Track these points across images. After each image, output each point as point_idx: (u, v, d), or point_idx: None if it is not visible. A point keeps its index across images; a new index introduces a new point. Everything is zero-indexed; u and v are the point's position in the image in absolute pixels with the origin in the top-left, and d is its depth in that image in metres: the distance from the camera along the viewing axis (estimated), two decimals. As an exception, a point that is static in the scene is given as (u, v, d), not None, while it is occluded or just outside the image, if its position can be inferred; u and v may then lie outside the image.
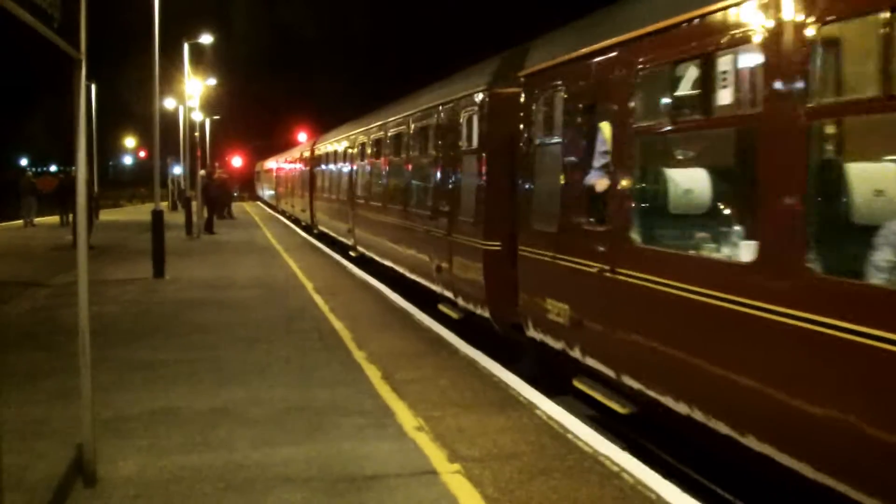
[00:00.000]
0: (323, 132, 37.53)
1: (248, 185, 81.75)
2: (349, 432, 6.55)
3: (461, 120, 11.45)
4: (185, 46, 33.40)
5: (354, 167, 20.69)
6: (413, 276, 13.97)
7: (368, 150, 18.79)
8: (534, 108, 8.79)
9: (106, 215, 42.05)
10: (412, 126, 14.44)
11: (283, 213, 46.39)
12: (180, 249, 22.57)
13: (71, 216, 27.68)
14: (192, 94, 36.00)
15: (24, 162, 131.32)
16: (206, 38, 34.98)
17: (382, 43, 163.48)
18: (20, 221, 33.09)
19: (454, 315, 11.44)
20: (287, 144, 67.23)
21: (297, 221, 37.65)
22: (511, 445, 6.24)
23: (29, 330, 11.21)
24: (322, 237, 27.61)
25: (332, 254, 22.21)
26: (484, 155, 10.44)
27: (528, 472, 5.69)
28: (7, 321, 12.00)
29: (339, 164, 23.45)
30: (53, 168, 75.35)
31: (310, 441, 6.33)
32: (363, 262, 19.12)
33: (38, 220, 33.53)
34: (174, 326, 11.32)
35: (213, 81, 47.91)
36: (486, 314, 10.16)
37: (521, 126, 9.06)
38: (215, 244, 25.73)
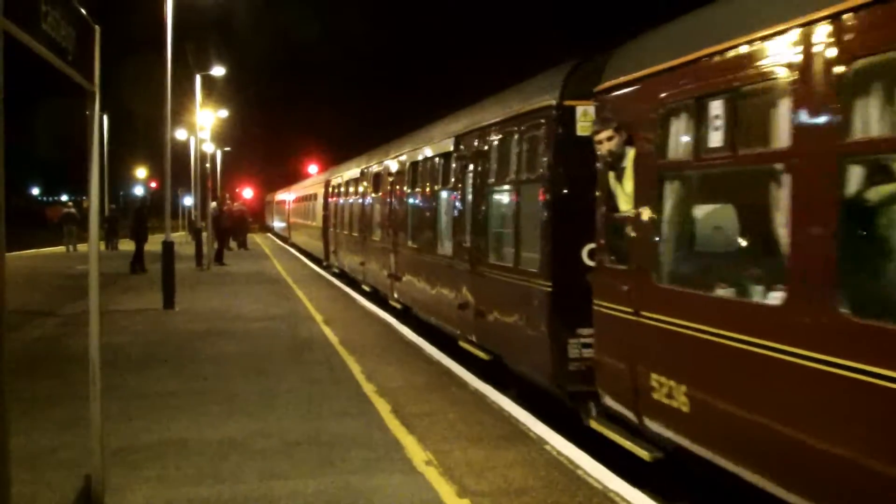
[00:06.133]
0: (337, 162, 33.12)
1: (258, 215, 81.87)
2: (358, 465, 6.51)
3: None
4: (198, 78, 33.76)
5: None
6: None
7: None
8: None
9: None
10: None
11: (339, 274, 25.24)
12: (190, 280, 22.63)
13: (114, 242, 34.42)
14: (203, 126, 36.30)
15: (35, 191, 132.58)
16: (218, 70, 35.40)
17: (393, 72, 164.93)
18: (62, 248, 37.16)
19: None
20: (297, 176, 67.42)
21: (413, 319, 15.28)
22: (520, 480, 6.20)
23: (38, 358, 11.21)
24: None
25: (342, 285, 22.20)
26: None
27: (538, 507, 5.63)
28: (16, 349, 12.01)
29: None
30: (64, 197, 75.98)
31: (318, 474, 6.30)
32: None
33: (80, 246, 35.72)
34: (183, 357, 11.32)
35: (224, 114, 48.28)
36: None
37: None
38: (225, 275, 25.78)
